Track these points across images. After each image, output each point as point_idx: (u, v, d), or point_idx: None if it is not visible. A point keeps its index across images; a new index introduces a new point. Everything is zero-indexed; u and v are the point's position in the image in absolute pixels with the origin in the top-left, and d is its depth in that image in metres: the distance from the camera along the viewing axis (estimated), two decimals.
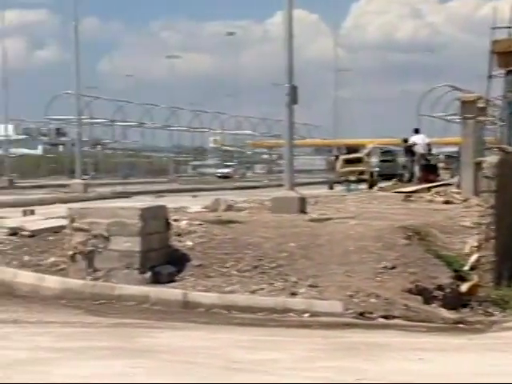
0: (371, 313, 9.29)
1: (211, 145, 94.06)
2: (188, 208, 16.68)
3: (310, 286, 10.15)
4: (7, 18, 59.34)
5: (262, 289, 10.22)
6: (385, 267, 10.54)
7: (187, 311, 9.61)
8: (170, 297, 10.03)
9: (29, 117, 76.17)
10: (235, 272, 10.77)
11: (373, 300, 9.51)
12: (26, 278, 10.78)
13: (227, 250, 11.32)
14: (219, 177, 72.11)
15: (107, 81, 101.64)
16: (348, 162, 41.10)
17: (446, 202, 19.22)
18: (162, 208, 11.93)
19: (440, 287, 10.19)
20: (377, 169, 42.07)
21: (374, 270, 10.37)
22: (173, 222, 12.01)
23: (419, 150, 33.76)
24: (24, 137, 79.69)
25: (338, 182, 41.21)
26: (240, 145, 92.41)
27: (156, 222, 11.25)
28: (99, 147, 78.41)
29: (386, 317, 9.25)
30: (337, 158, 45.62)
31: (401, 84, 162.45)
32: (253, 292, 10.12)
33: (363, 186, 37.96)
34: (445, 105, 50.91)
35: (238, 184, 54.59)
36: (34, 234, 12.22)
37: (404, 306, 9.49)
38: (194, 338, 8.12)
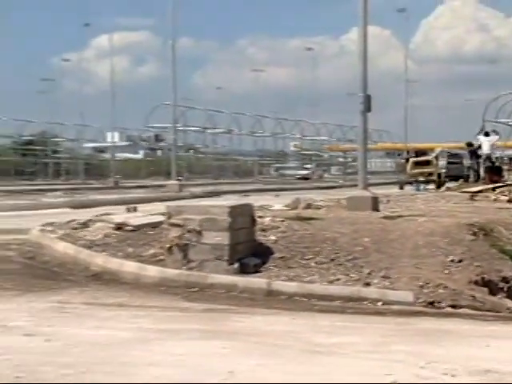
0: (440, 302, 9.15)
1: (292, 149, 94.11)
2: (271, 206, 16.67)
3: (383, 277, 10.05)
4: (115, 39, 60.36)
5: (339, 279, 10.15)
6: (452, 261, 10.39)
7: (271, 299, 9.58)
8: (255, 285, 10.03)
9: (132, 125, 77.34)
10: (314, 264, 10.71)
11: (441, 290, 9.37)
12: (129, 267, 10.90)
13: (307, 243, 11.27)
14: (299, 178, 72.08)
15: (200, 93, 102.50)
16: (417, 164, 40.83)
17: (510, 201, 18.91)
18: (248, 206, 11.94)
19: (505, 279, 10.02)
20: (444, 170, 41.78)
21: (442, 263, 10.21)
22: (258, 219, 12.00)
23: (485, 151, 33.39)
24: (127, 143, 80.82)
25: (408, 183, 41.00)
26: (317, 149, 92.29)
27: (243, 218, 11.26)
28: (192, 151, 79.15)
29: (453, 306, 9.10)
30: (407, 160, 45.34)
31: (466, 93, 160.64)
32: (330, 282, 10.06)
33: (431, 186, 37.70)
34: (509, 112, 50.42)
35: (315, 184, 54.61)
36: (136, 229, 12.36)
37: (471, 296, 9.33)
38: (277, 322, 8.10)
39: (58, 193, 36.31)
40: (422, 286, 9.50)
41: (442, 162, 43.54)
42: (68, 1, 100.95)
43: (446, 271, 10.03)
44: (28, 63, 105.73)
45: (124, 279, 10.63)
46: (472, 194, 21.17)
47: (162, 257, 11.11)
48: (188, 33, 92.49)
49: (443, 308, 9.06)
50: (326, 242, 11.23)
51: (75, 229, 13.34)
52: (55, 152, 73.19)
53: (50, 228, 13.67)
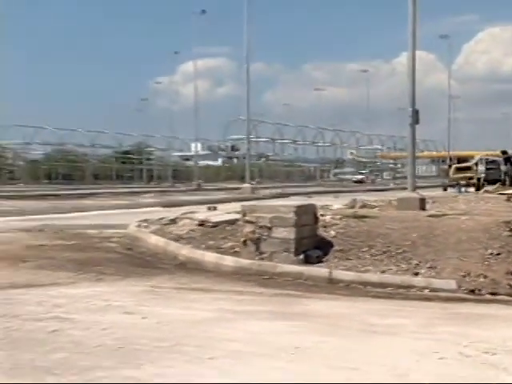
0: (480, 290, 8.99)
1: (348, 157, 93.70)
2: (331, 206, 16.58)
3: (429, 267, 9.92)
4: (198, 65, 61.08)
5: (391, 269, 10.06)
6: (491, 254, 10.18)
7: (331, 286, 9.53)
8: (318, 274, 9.99)
9: (212, 137, 78.16)
10: (369, 256, 10.63)
11: (481, 280, 9.20)
12: (210, 257, 10.95)
13: (362, 238, 11.19)
14: (355, 182, 71.67)
15: (270, 108, 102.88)
16: (459, 169, 40.54)
17: None
18: (312, 205, 11.91)
19: None
20: (483, 175, 41.18)
21: (482, 255, 10.03)
22: (320, 217, 11.96)
23: None
24: (208, 152, 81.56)
25: (451, 186, 40.58)
26: (371, 156, 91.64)
27: (307, 216, 11.24)
28: (263, 159, 79.28)
29: (492, 293, 8.92)
30: (450, 166, 45.00)
31: (503, 108, 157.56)
32: (383, 272, 9.97)
33: (471, 189, 37.20)
34: None
35: (369, 187, 54.23)
36: (216, 225, 12.40)
37: (508, 285, 9.14)
38: (337, 306, 8.05)
39: (151, 194, 36.74)
40: (464, 276, 9.35)
41: (481, 168, 42.94)
42: (161, 33, 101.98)
43: (486, 263, 9.84)
44: (129, 85, 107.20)
45: (206, 267, 10.69)
46: (508, 196, 20.77)
47: (237, 249, 11.14)
48: (260, 58, 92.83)
49: (483, 295, 8.90)
50: (379, 237, 11.13)
51: (165, 225, 13.49)
52: (148, 160, 74.22)
53: (144, 224, 13.86)
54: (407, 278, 9.59)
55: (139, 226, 13.76)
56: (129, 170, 74.35)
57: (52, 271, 9.88)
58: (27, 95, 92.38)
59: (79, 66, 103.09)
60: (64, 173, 67.52)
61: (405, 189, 18.27)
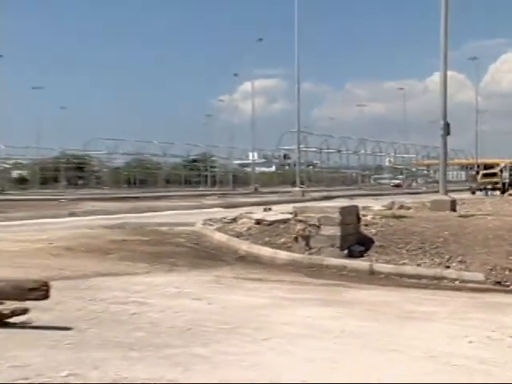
0: (506, 282, 8.80)
1: (387, 164, 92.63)
2: (372, 207, 16.48)
3: (459, 261, 9.75)
4: (255, 84, 61.36)
5: (425, 263, 9.92)
6: None
7: (372, 277, 9.45)
8: (360, 267, 9.92)
9: (267, 147, 78.14)
10: (405, 251, 10.50)
11: (507, 273, 9.00)
12: (266, 251, 10.96)
13: (399, 235, 11.07)
14: (392, 186, 70.81)
15: (317, 122, 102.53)
16: (486, 175, 40.01)
17: None
18: (355, 207, 11.83)
19: None
20: (507, 180, 40.50)
21: (508, 251, 9.80)
22: (362, 216, 11.88)
23: None
24: (263, 160, 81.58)
25: (478, 190, 39.92)
26: (407, 164, 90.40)
27: (350, 216, 11.16)
28: (311, 166, 78.96)
29: None
30: (477, 172, 44.42)
31: None
32: (418, 265, 9.84)
33: (497, 192, 36.53)
34: None
35: (405, 191, 53.53)
36: (271, 224, 12.41)
37: None
38: (377, 295, 7.97)
39: (214, 197, 36.92)
40: (491, 269, 9.16)
41: (506, 174, 42.23)
42: (224, 58, 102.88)
43: (511, 258, 9.64)
44: (196, 102, 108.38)
45: (262, 260, 10.70)
46: None
47: (289, 244, 11.13)
48: (309, 78, 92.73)
49: (508, 286, 8.71)
50: (414, 235, 11.00)
51: (227, 223, 13.56)
52: (212, 167, 74.60)
53: (209, 222, 13.97)
54: (440, 271, 9.45)
55: (205, 224, 13.87)
56: (195, 175, 74.89)
57: (132, 262, 10.01)
58: (109, 111, 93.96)
59: (155, 86, 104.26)
60: (140, 178, 68.37)
61: (437, 192, 18.04)
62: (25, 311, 5.27)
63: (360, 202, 16.92)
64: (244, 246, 11.43)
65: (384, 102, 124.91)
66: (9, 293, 5.20)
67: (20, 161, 65.67)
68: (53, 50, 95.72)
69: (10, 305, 5.27)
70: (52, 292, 5.35)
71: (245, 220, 13.24)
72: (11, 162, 64.51)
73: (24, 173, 66.11)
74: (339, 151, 77.43)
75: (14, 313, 5.25)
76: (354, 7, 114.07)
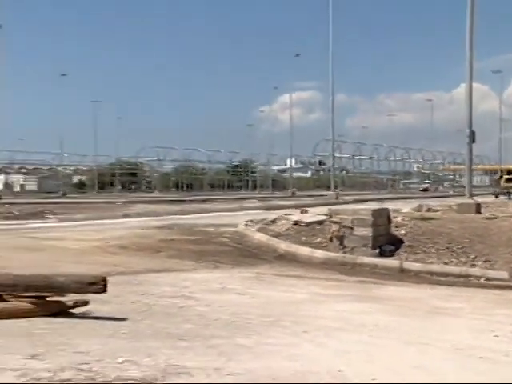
0: None
1: (415, 169, 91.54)
2: (401, 209, 16.27)
3: (485, 260, 9.61)
4: (293, 96, 61.32)
5: (452, 261, 9.80)
6: None
7: (402, 275, 9.35)
8: (391, 265, 9.82)
9: (303, 153, 77.94)
10: (433, 250, 10.38)
11: None
12: (303, 250, 10.93)
13: (427, 236, 10.94)
14: (421, 190, 69.91)
15: (350, 131, 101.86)
16: (508, 180, 39.32)
17: None
18: (385, 209, 11.75)
19: None
20: None
21: None
22: (392, 218, 11.76)
23: None
24: (300, 166, 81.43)
25: (502, 193, 39.19)
26: (434, 169, 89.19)
27: (382, 218, 11.08)
28: (344, 171, 78.48)
29: None
30: (501, 177, 43.61)
31: None
32: (445, 263, 9.73)
33: None
34: None
35: (433, 194, 52.81)
36: (307, 225, 12.36)
37: None
38: (406, 291, 7.89)
39: (255, 200, 36.96)
40: None
41: None
42: (264, 71, 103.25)
43: None
44: (239, 113, 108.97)
45: (300, 259, 10.67)
46: None
47: (325, 244, 11.09)
48: (342, 89, 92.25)
49: None
50: (442, 235, 10.86)
51: (267, 224, 13.54)
52: (253, 172, 74.73)
53: (250, 223, 13.97)
54: (465, 269, 9.31)
55: (246, 225, 13.88)
56: (237, 180, 75.11)
57: (180, 260, 10.07)
58: (160, 121, 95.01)
59: (202, 98, 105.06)
60: (187, 183, 68.87)
61: (463, 196, 17.80)
62: (85, 303, 5.36)
63: (390, 205, 16.76)
64: (283, 246, 11.41)
65: (413, 112, 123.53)
66: (71, 286, 5.29)
67: (80, 167, 66.76)
68: (106, 65, 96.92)
69: (72, 297, 5.36)
70: (109, 286, 5.42)
71: (283, 221, 13.22)
72: (72, 168, 65.65)
73: (83, 178, 67.21)
74: (371, 158, 76.88)
75: (76, 304, 5.34)
76: (386, 23, 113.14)
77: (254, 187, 70.82)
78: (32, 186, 60.27)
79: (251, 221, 14.43)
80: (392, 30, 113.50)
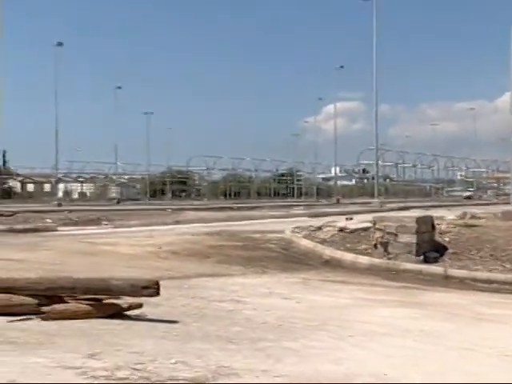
0: None
1: (458, 177, 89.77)
2: (445, 217, 15.97)
3: None
4: (337, 107, 61.01)
5: (496, 269, 9.58)
6: None
7: (446, 281, 9.21)
8: (435, 271, 9.69)
9: (348, 162, 77.36)
10: (478, 257, 10.18)
11: None
12: (348, 257, 10.87)
13: (472, 243, 10.73)
14: (464, 198, 68.49)
15: (393, 140, 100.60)
16: None
17: None
18: (429, 217, 11.58)
19: None
20: None
21: None
22: (436, 225, 11.58)
23: None
24: (345, 174, 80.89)
25: None
26: (477, 177, 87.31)
27: (425, 225, 10.92)
28: (388, 180, 77.52)
29: None
30: None
31: None
32: (490, 270, 9.52)
33: None
34: None
35: (476, 202, 51.64)
36: (352, 231, 12.28)
37: None
38: (451, 297, 7.75)
39: (300, 207, 36.85)
40: None
41: None
42: (308, 83, 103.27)
43: None
44: (284, 123, 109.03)
45: (344, 265, 10.62)
46: None
47: (369, 250, 10.99)
48: (386, 100, 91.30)
49: None
50: (486, 243, 10.63)
51: (312, 231, 13.49)
52: (298, 180, 74.58)
53: (296, 230, 13.95)
54: (510, 276, 9.09)
55: (292, 231, 13.87)
56: (283, 188, 75.07)
57: (228, 265, 10.12)
58: (208, 131, 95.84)
59: (249, 109, 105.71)
60: (235, 191, 69.23)
61: (507, 203, 17.41)
62: (139, 306, 5.44)
63: (434, 213, 16.47)
64: (328, 252, 11.36)
65: (455, 121, 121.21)
66: (126, 290, 5.38)
67: (133, 176, 67.87)
68: (158, 77, 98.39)
69: (126, 300, 5.45)
70: (161, 290, 5.49)
71: (329, 228, 13.16)
72: (126, 177, 66.78)
73: (136, 186, 68.30)
74: (414, 166, 75.73)
75: (131, 307, 5.43)
76: (428, 32, 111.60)
77: (300, 195, 70.65)
78: (89, 193, 61.81)
79: (297, 227, 14.40)
80: (434, 39, 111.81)
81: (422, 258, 10.29)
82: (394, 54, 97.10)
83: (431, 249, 10.64)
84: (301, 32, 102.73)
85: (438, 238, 11.14)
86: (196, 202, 48.29)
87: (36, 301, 5.32)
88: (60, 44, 41.82)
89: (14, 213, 21.59)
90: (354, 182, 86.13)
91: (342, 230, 12.51)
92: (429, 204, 42.77)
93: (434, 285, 8.80)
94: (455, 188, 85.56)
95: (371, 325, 5.66)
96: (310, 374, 3.94)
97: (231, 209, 32.49)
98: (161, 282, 5.60)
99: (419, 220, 10.72)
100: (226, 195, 66.99)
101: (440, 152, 77.18)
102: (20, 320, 5.16)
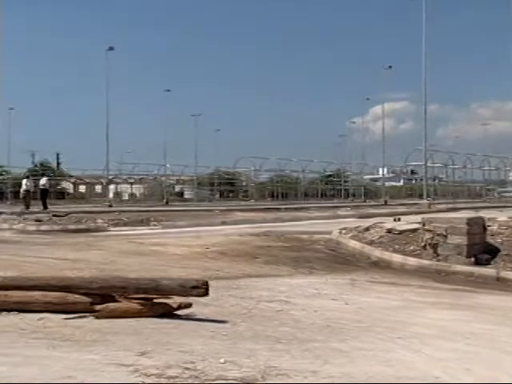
0: None
1: (511, 178, 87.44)
2: (497, 218, 15.57)
3: None
4: (385, 107, 60.18)
5: None
6: None
7: (499, 283, 8.95)
8: (487, 274, 9.43)
9: (395, 163, 76.27)
10: None
11: None
12: (396, 258, 10.71)
13: None
14: None
15: (442, 140, 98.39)
16: None
17: None
18: (480, 218, 11.27)
19: None
20: None
21: None
22: (487, 227, 11.29)
23: None
24: (392, 175, 79.90)
25: None
26: None
27: (476, 226, 10.65)
28: (437, 180, 76.15)
29: None
30: None
31: None
32: None
33: None
34: None
35: None
36: (400, 233, 12.11)
37: None
38: (504, 300, 7.53)
39: (347, 208, 36.55)
40: None
41: None
42: (356, 83, 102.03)
43: None
44: (331, 124, 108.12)
45: (393, 266, 10.47)
46: None
47: (418, 252, 10.81)
48: (435, 100, 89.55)
49: None
50: None
51: (360, 232, 13.37)
52: (345, 182, 74.07)
53: (344, 231, 13.84)
54: None
55: (340, 232, 13.77)
56: (330, 189, 74.65)
57: (275, 265, 10.12)
58: (255, 132, 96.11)
59: (296, 111, 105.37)
60: (282, 192, 69.20)
61: None
62: (189, 305, 5.50)
63: (485, 214, 16.09)
64: (376, 253, 11.24)
65: (508, 121, 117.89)
66: (176, 290, 5.45)
67: (182, 177, 68.62)
68: (206, 79, 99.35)
69: (176, 300, 5.52)
70: (210, 290, 5.53)
71: (376, 229, 13.03)
72: (174, 178, 67.60)
73: (184, 187, 69.04)
74: (464, 167, 74.16)
75: (180, 306, 5.49)
76: (477, 31, 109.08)
77: (347, 196, 70.13)
78: (139, 194, 62.86)
79: (345, 228, 14.29)
80: (483, 37, 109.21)
81: (472, 259, 10.06)
82: (443, 53, 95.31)
83: (482, 251, 10.39)
84: (349, 30, 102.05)
85: (489, 239, 10.87)
86: (243, 203, 48.49)
87: (89, 299, 5.45)
88: (111, 49, 42.76)
89: (68, 213, 22.13)
90: (401, 182, 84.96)
91: (390, 231, 12.35)
92: (479, 205, 41.78)
93: (486, 287, 8.58)
94: (507, 189, 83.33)
95: (421, 327, 5.57)
96: (359, 375, 3.90)
97: (278, 210, 32.47)
98: (209, 282, 5.65)
99: (470, 221, 10.48)
100: (273, 196, 67.06)
101: (491, 152, 75.37)
102: (75, 318, 5.31)
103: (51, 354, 4.07)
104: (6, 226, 18.13)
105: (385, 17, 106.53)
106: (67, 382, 3.43)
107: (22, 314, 5.42)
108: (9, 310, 5.47)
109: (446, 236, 10.38)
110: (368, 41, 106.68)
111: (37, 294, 5.53)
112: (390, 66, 56.37)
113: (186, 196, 60.76)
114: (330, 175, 75.14)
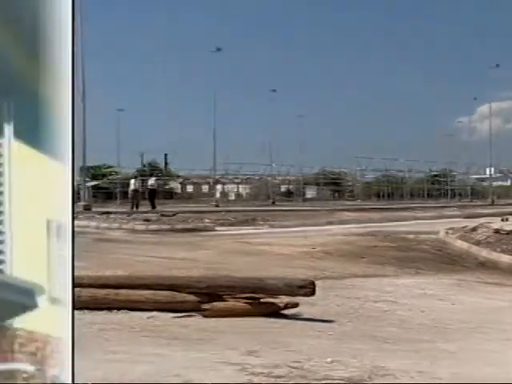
0: None
1: None
2: None
3: None
4: (492, 106, 57.19)
5: None
6: None
7: None
8: None
9: (503, 163, 72.34)
10: None
11: None
12: (505, 258, 10.22)
13: None
14: None
15: None
16: None
17: None
18: None
19: None
20: None
21: None
22: None
23: None
24: (499, 175, 76.00)
25: None
26: None
27: None
28: None
29: None
30: None
31: None
32: None
33: None
34: None
35: None
36: (508, 233, 11.60)
37: None
38: None
39: (454, 208, 35.20)
40: None
41: None
42: (464, 84, 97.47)
43: None
44: (436, 124, 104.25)
45: (500, 266, 9.98)
46: None
47: None
48: None
49: None
50: None
51: (466, 232, 12.93)
52: (452, 181, 71.44)
53: (450, 231, 13.41)
54: None
55: (447, 232, 13.34)
56: (436, 189, 72.19)
57: (381, 266, 9.92)
58: (362, 133, 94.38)
59: (402, 112, 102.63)
60: (388, 192, 67.77)
61: None
62: (295, 305, 5.48)
63: None
64: (483, 253, 10.76)
65: None
66: (282, 289, 5.44)
67: (287, 177, 68.86)
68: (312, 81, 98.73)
69: (283, 299, 5.52)
70: (316, 289, 5.50)
71: (483, 229, 12.52)
72: (280, 178, 67.95)
73: (290, 187, 69.22)
74: None
75: (287, 306, 5.47)
76: None
77: (453, 196, 67.53)
78: (245, 194, 63.63)
79: (451, 228, 13.80)
80: None
81: None
82: None
83: None
84: (454, 30, 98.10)
85: None
86: (348, 203, 47.92)
87: (197, 298, 5.43)
88: (219, 49, 41.46)
89: (175, 213, 22.20)
90: (509, 182, 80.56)
91: (497, 231, 11.84)
92: None
93: None
94: None
95: None
96: (467, 376, 3.75)
97: (384, 210, 31.82)
98: (315, 282, 5.62)
99: None
100: (378, 196, 65.82)
101: None
102: (183, 316, 5.31)
103: (159, 352, 4.14)
104: (116, 225, 18.06)
105: (491, 13, 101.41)
106: (174, 381, 3.47)
107: (131, 312, 5.44)
108: (119, 309, 5.50)
109: None
110: (476, 40, 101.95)
111: (146, 293, 5.53)
112: (498, 65, 53.65)
113: (307, 196, 60.72)
114: (436, 175, 72.71)
